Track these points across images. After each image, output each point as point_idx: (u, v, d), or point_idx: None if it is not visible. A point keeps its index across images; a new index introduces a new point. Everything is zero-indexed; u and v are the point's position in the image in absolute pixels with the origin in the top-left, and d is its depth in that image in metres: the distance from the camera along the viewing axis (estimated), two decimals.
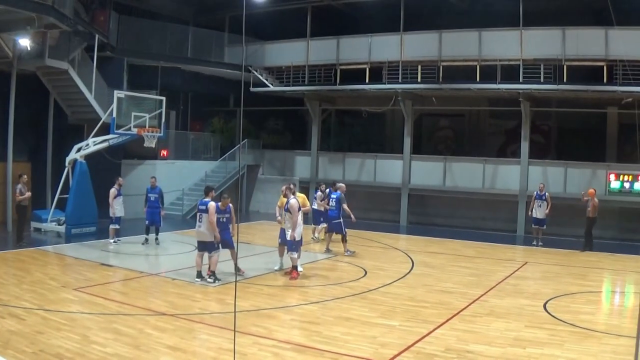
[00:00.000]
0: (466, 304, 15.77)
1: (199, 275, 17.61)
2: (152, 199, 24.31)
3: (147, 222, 24.36)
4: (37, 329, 12.35)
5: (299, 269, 18.96)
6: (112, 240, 23.75)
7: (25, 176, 23.78)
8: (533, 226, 26.58)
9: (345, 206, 22.81)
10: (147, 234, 24.36)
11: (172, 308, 14.59)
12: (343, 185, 23.85)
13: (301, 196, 19.60)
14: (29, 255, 20.80)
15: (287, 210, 18.10)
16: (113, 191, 24.04)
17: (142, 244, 23.99)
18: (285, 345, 12.09)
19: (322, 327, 13.34)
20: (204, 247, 17.67)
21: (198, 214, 17.72)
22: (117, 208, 23.99)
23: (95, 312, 13.96)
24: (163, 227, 25.21)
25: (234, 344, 10.53)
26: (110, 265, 19.62)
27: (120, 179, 24.89)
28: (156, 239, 24.26)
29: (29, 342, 11.46)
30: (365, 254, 23.59)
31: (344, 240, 22.90)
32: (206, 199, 17.83)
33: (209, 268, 17.55)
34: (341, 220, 22.86)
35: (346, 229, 23.02)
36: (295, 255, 18.40)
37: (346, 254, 22.58)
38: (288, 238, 18.35)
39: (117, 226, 24.07)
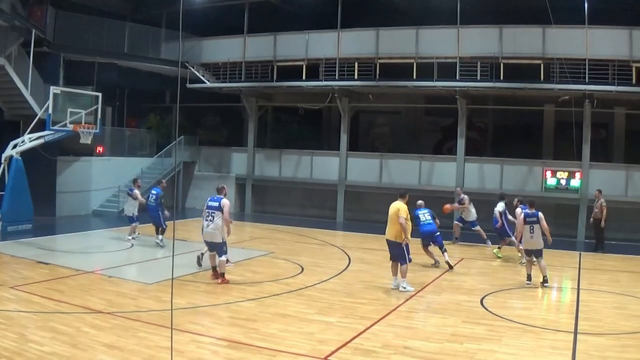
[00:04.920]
0: (403, 300, 15.82)
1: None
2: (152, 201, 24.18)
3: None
4: None
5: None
6: (130, 237, 23.89)
7: None
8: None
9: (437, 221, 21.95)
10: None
11: (109, 306, 14.36)
12: (422, 202, 23.20)
13: (402, 207, 18.30)
14: None
15: (220, 209, 17.17)
16: (137, 192, 24.50)
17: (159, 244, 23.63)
18: (223, 342, 12.02)
19: (259, 324, 13.26)
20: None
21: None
22: (130, 207, 24.48)
23: (32, 311, 13.68)
24: (98, 224, 24.93)
25: (171, 342, 10.40)
26: (46, 263, 19.19)
27: (138, 180, 25.55)
28: (160, 240, 23.85)
29: None
30: (301, 250, 23.59)
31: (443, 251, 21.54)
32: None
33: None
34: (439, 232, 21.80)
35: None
36: (224, 258, 17.45)
37: (436, 264, 21.12)
38: (220, 240, 17.32)
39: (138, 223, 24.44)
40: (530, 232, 17.88)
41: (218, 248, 17.29)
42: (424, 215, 21.78)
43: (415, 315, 14.44)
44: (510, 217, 22.69)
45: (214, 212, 17.11)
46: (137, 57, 35.60)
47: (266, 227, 30.47)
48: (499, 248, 23.22)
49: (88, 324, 12.87)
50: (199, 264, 18.98)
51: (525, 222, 17.91)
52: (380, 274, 18.74)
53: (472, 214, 26.07)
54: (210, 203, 17.33)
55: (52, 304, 14.37)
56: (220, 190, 17.82)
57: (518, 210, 19.29)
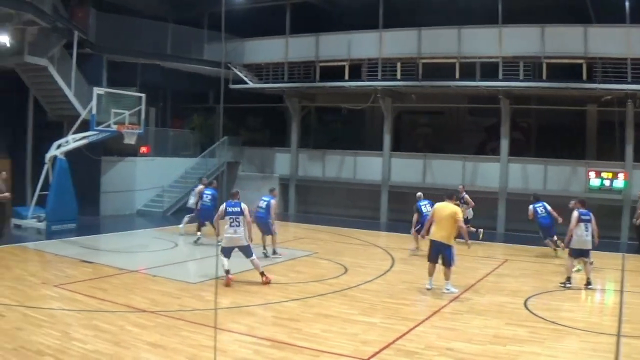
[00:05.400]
0: (446, 302, 15.84)
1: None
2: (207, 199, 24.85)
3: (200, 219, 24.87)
4: (17, 325, 12.32)
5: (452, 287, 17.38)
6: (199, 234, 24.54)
7: (4, 173, 23.63)
8: None
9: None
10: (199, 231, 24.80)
11: (153, 305, 14.57)
12: (421, 194, 24.82)
13: (458, 209, 17.39)
14: (9, 252, 20.76)
15: (242, 213, 17.35)
16: (200, 187, 25.46)
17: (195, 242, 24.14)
18: (266, 342, 12.10)
19: (302, 324, 13.38)
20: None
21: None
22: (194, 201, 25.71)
23: (76, 309, 13.91)
24: (142, 224, 25.20)
25: (214, 341, 10.53)
26: (90, 262, 19.49)
27: (204, 179, 26.77)
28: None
29: (9, 339, 11.43)
30: (345, 251, 23.71)
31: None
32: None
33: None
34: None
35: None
36: (255, 257, 17.70)
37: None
38: (247, 242, 17.57)
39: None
40: (586, 230, 17.79)
41: (246, 250, 17.46)
42: (425, 206, 23.25)
43: (459, 317, 14.37)
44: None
45: (238, 218, 17.25)
46: (180, 58, 35.95)
47: (309, 227, 30.64)
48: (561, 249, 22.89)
49: (131, 322, 13.08)
50: (266, 255, 21.32)
51: (580, 220, 17.77)
52: (424, 275, 18.60)
53: (469, 212, 26.24)
54: (230, 209, 17.39)
55: (95, 303, 14.59)
56: (234, 195, 18.11)
57: (575, 213, 18.83)
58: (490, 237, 27.15)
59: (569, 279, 17.89)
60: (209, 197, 24.41)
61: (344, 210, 36.24)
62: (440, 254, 16.94)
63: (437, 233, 16.90)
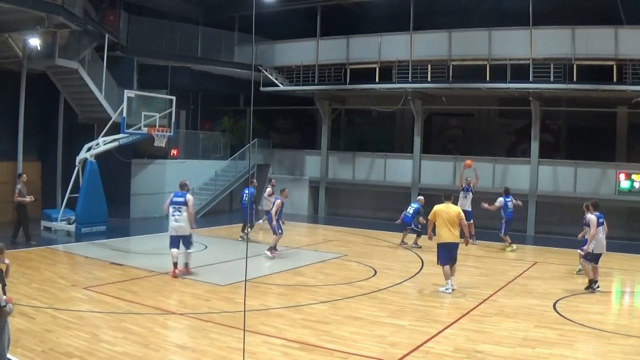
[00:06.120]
0: (475, 304, 15.74)
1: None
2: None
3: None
4: (47, 327, 12.39)
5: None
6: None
7: (25, 176, 23.76)
8: None
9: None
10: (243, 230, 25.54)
11: (182, 307, 14.67)
12: (422, 198, 26.02)
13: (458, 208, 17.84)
14: (39, 254, 20.88)
15: (185, 203, 17.99)
16: (269, 190, 26.09)
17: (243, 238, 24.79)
18: (294, 344, 12.09)
19: (331, 327, 13.36)
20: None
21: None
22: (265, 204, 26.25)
23: (105, 311, 14.00)
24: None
25: (243, 343, 10.53)
26: (119, 264, 19.58)
27: (273, 181, 28.05)
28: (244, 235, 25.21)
29: (38, 341, 11.48)
30: (374, 253, 23.67)
31: None
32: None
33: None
34: None
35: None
36: (192, 250, 18.49)
37: None
38: (189, 233, 18.21)
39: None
40: (602, 234, 17.50)
41: (187, 240, 18.06)
42: (411, 208, 24.86)
43: (487, 319, 14.30)
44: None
45: (180, 207, 17.92)
46: (210, 61, 36.06)
47: (339, 229, 30.57)
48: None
49: (160, 324, 13.19)
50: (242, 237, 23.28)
51: (599, 224, 17.50)
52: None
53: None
54: (175, 199, 18.09)
55: (124, 305, 14.69)
56: (183, 186, 18.63)
57: (593, 217, 18.31)
58: (520, 240, 26.96)
59: (593, 282, 17.52)
60: (247, 196, 24.85)
61: (373, 212, 36.18)
62: (451, 253, 17.19)
63: (451, 235, 17.03)
